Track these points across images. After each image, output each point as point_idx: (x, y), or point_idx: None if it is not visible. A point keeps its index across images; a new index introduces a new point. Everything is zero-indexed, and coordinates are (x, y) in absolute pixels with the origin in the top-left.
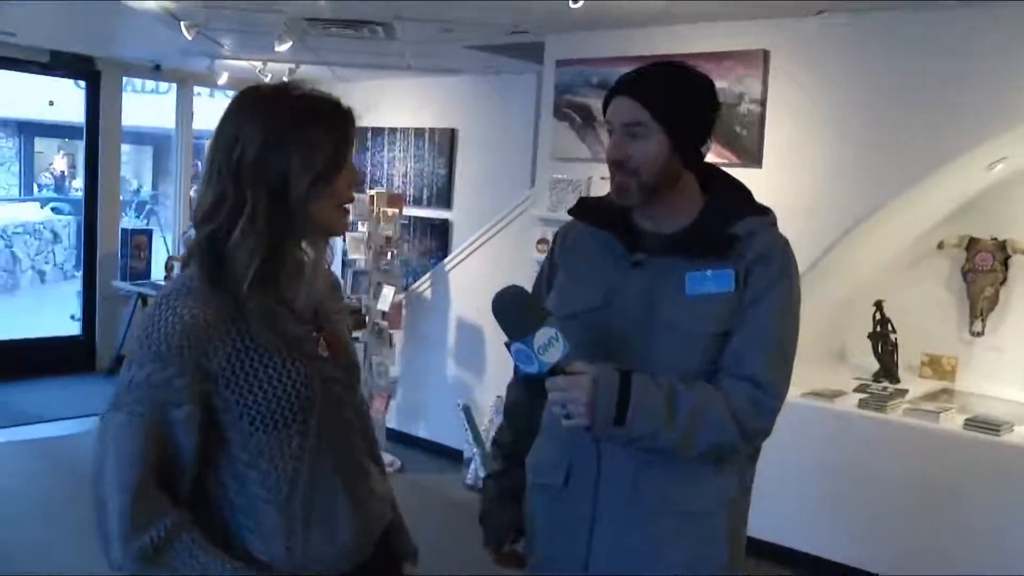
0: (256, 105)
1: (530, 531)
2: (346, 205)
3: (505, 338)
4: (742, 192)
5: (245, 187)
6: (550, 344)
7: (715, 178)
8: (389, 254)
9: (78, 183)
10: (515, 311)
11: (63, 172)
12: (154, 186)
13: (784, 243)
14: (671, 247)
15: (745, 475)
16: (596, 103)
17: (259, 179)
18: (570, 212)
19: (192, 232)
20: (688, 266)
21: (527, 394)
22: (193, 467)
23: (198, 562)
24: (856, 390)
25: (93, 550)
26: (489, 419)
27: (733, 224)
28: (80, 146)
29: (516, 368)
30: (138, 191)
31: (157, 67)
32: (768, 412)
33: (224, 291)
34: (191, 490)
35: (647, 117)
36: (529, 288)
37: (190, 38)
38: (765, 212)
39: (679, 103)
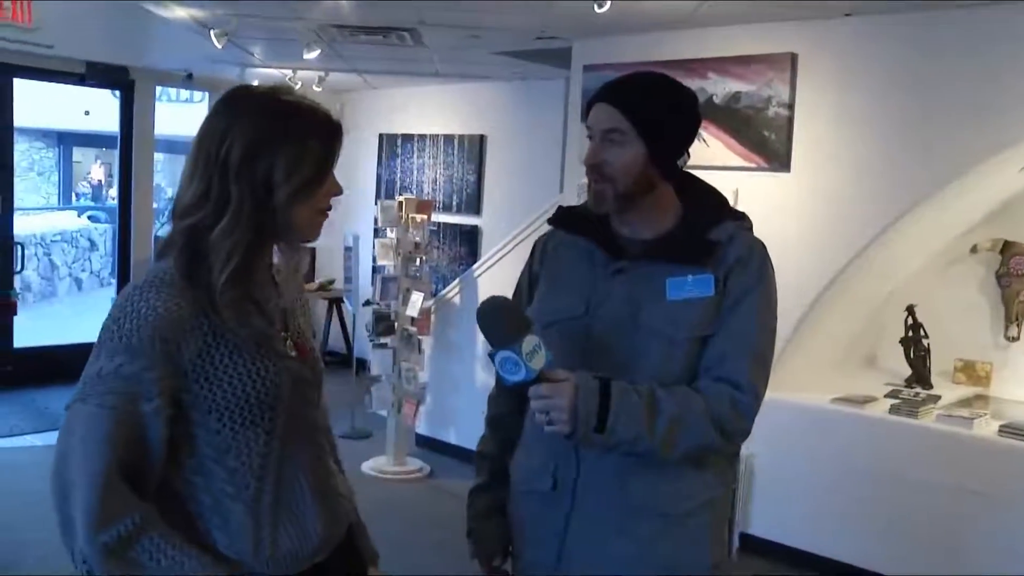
0: (248, 104)
1: (517, 536)
2: (323, 215)
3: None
4: (718, 198)
5: (230, 183)
6: (535, 352)
7: (691, 184)
8: (418, 260)
9: (115, 192)
10: (501, 320)
11: (100, 181)
12: None
13: (761, 246)
14: (652, 253)
15: (727, 475)
16: None
17: (245, 177)
18: (550, 221)
19: (168, 225)
20: (669, 272)
21: (511, 405)
22: (160, 462)
23: (165, 557)
24: (887, 396)
25: None
26: None
27: (711, 230)
28: (116, 155)
29: (499, 378)
30: (172, 199)
31: (189, 76)
32: (747, 413)
33: (199, 285)
34: (157, 486)
35: (626, 125)
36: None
37: (220, 47)
38: (741, 217)
39: (659, 114)
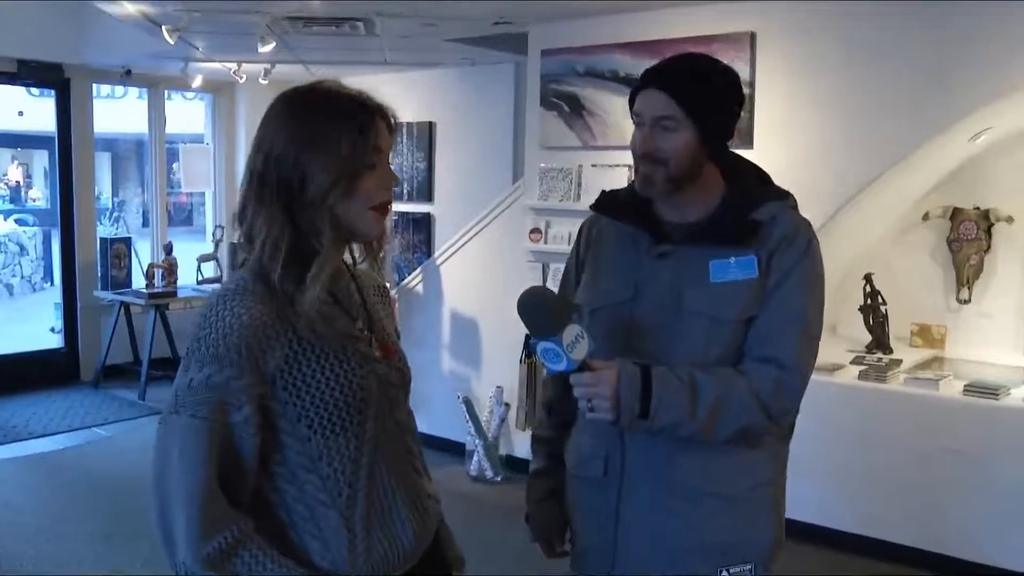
0: (284, 107)
1: (573, 519)
2: (381, 207)
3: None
4: (762, 177)
5: (264, 189)
6: (577, 341)
7: (735, 165)
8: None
9: (35, 193)
10: (542, 311)
11: (18, 182)
12: (115, 193)
13: (806, 225)
14: (695, 236)
15: (779, 455)
16: (583, 91)
17: (278, 180)
18: (592, 207)
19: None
20: (712, 254)
21: (565, 388)
22: (253, 472)
23: (264, 568)
24: (853, 362)
25: (105, 560)
26: (489, 410)
27: (754, 210)
28: (34, 155)
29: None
30: (98, 198)
31: (128, 72)
32: (792, 392)
33: (277, 291)
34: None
35: (678, 111)
36: (553, 287)
37: (172, 43)
38: (785, 196)
39: (710, 97)
